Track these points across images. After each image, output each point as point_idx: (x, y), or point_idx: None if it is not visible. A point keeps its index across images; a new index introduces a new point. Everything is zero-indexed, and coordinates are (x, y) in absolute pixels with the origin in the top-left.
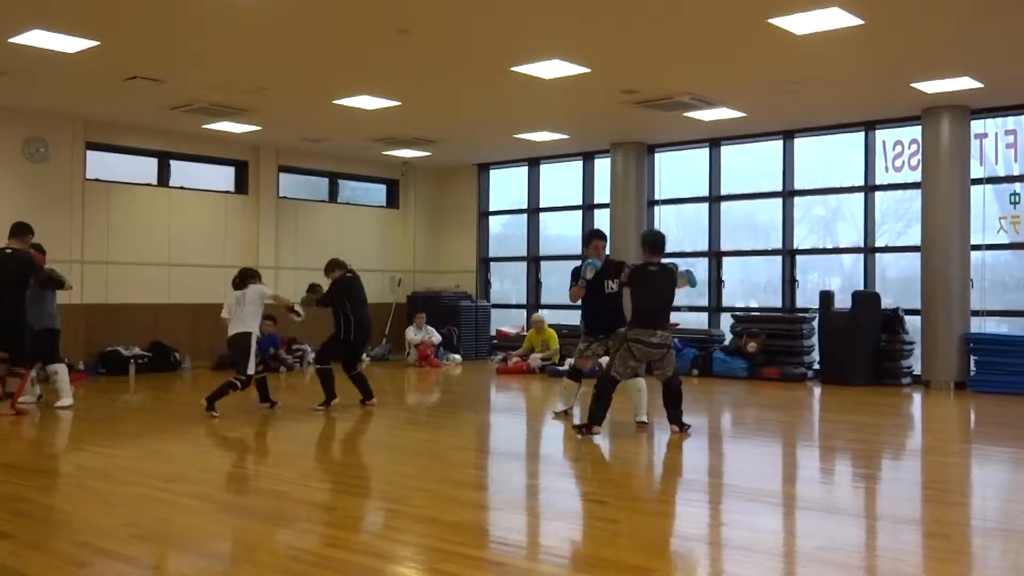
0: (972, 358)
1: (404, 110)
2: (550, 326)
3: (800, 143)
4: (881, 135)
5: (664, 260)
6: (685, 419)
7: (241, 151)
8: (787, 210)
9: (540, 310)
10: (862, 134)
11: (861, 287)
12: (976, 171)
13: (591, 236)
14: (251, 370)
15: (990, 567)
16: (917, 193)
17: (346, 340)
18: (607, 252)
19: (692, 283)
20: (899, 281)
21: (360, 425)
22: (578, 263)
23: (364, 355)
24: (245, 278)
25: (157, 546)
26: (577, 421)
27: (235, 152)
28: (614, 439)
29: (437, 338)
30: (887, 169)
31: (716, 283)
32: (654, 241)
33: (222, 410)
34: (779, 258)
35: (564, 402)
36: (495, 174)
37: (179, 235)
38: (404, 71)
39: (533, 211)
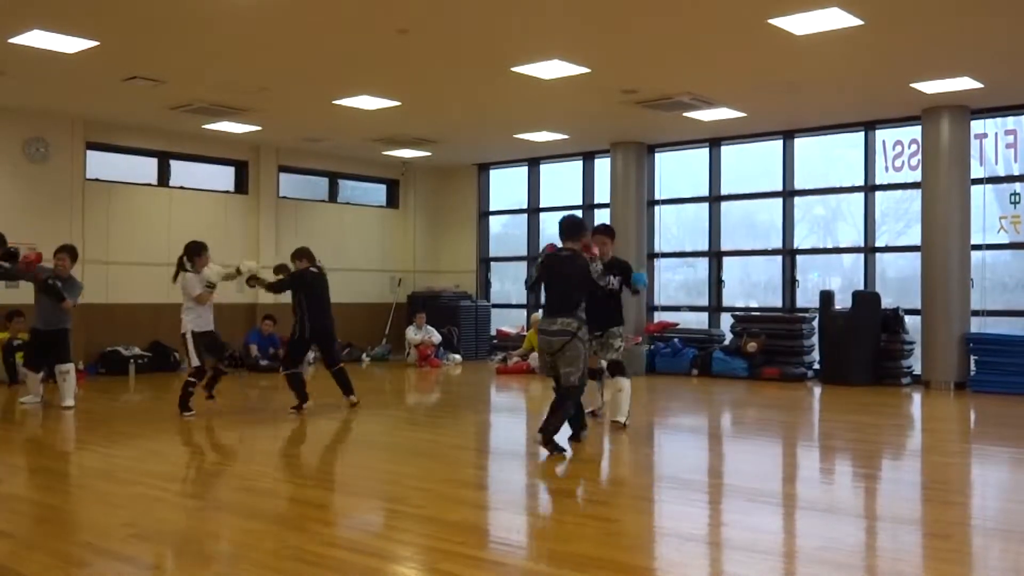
0: (972, 358)
1: (404, 110)
2: None
3: (800, 143)
4: (881, 135)
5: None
6: (581, 439)
7: (241, 151)
8: (787, 210)
9: (540, 310)
10: (862, 134)
11: (861, 287)
12: (976, 171)
13: (594, 231)
14: (195, 362)
15: (990, 567)
16: (917, 193)
17: (300, 338)
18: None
19: (634, 283)
20: (899, 281)
21: (360, 425)
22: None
23: (364, 355)
24: (178, 265)
25: (157, 546)
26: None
27: (235, 152)
28: (613, 439)
29: (437, 338)
30: (887, 169)
31: (716, 283)
32: (565, 227)
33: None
34: (779, 258)
35: (591, 402)
36: (495, 174)
37: (179, 235)
38: (404, 71)
39: (533, 211)
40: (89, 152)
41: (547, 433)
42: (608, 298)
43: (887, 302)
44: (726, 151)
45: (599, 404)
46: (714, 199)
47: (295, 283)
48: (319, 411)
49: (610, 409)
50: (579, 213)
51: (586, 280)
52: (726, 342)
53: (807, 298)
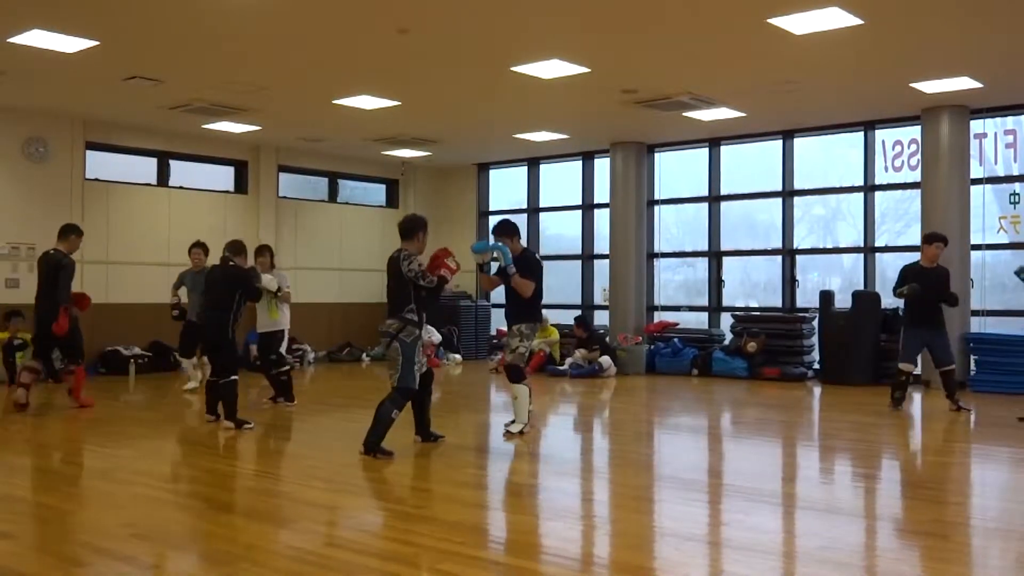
0: (972, 358)
1: (404, 110)
2: (552, 326)
3: (800, 143)
4: (881, 135)
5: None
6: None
7: (241, 151)
8: (787, 210)
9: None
10: (862, 134)
11: (861, 287)
12: (976, 171)
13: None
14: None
15: (990, 567)
16: (917, 193)
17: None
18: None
19: (474, 249)
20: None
21: (360, 425)
22: (577, 263)
23: (364, 355)
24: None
25: (157, 546)
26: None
27: (235, 152)
28: (613, 439)
29: (437, 338)
30: (887, 169)
31: (716, 283)
32: (399, 228)
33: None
34: (779, 258)
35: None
36: (495, 174)
37: (179, 235)
38: (404, 71)
39: (533, 211)
40: (89, 152)
41: (367, 443)
42: (512, 293)
43: (887, 302)
44: (726, 151)
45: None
46: (714, 199)
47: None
48: (319, 411)
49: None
50: (579, 213)
51: (401, 280)
52: (726, 342)
53: (807, 298)
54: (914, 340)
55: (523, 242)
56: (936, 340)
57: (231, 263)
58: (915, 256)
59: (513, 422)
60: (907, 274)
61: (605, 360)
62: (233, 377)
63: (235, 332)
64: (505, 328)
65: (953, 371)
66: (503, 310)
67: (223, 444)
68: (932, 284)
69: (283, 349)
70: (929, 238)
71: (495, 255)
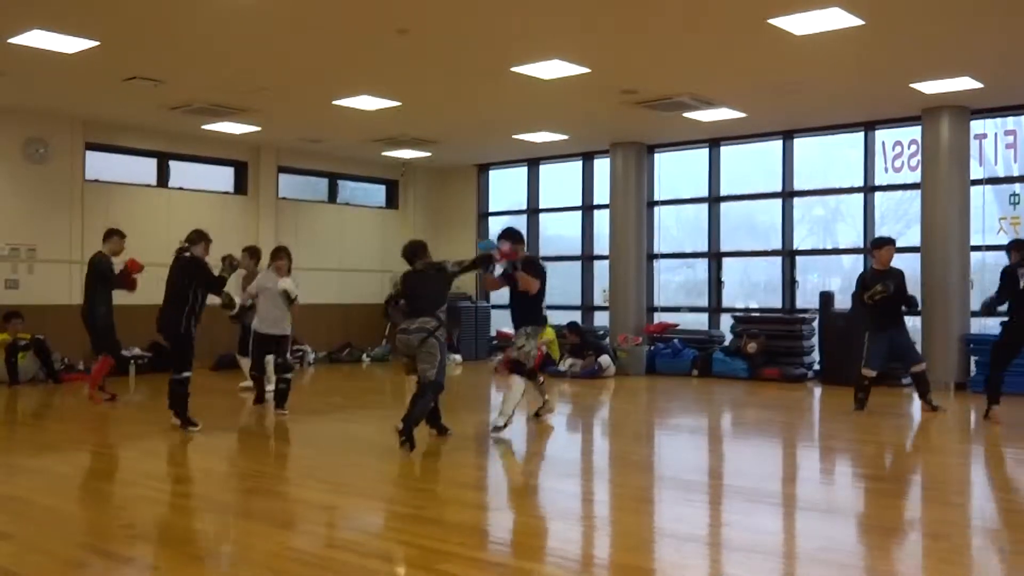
0: (972, 358)
1: (404, 110)
2: (550, 326)
3: (800, 143)
4: (881, 135)
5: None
6: (442, 430)
7: (241, 151)
8: (787, 210)
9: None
10: (862, 134)
11: None
12: (976, 171)
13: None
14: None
15: (990, 567)
16: (917, 194)
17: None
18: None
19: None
20: None
21: (360, 426)
22: (577, 263)
23: (364, 355)
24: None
25: (157, 546)
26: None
27: (235, 152)
28: (613, 439)
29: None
30: (887, 169)
31: (716, 284)
32: (409, 249)
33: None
34: (779, 259)
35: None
36: (495, 174)
37: (179, 236)
38: (404, 71)
39: (533, 211)
40: (89, 153)
41: (407, 423)
42: (523, 297)
43: None
44: (726, 151)
45: (540, 404)
46: (714, 200)
47: None
48: (319, 412)
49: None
50: (579, 214)
51: (444, 282)
52: (726, 343)
53: (807, 299)
54: (879, 345)
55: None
56: (901, 342)
57: (187, 254)
58: (915, 256)
59: (500, 414)
60: (866, 279)
61: (604, 359)
62: (186, 374)
63: (194, 327)
64: (506, 330)
65: (924, 371)
66: (508, 313)
67: (223, 445)
68: (894, 286)
69: (288, 353)
70: (879, 242)
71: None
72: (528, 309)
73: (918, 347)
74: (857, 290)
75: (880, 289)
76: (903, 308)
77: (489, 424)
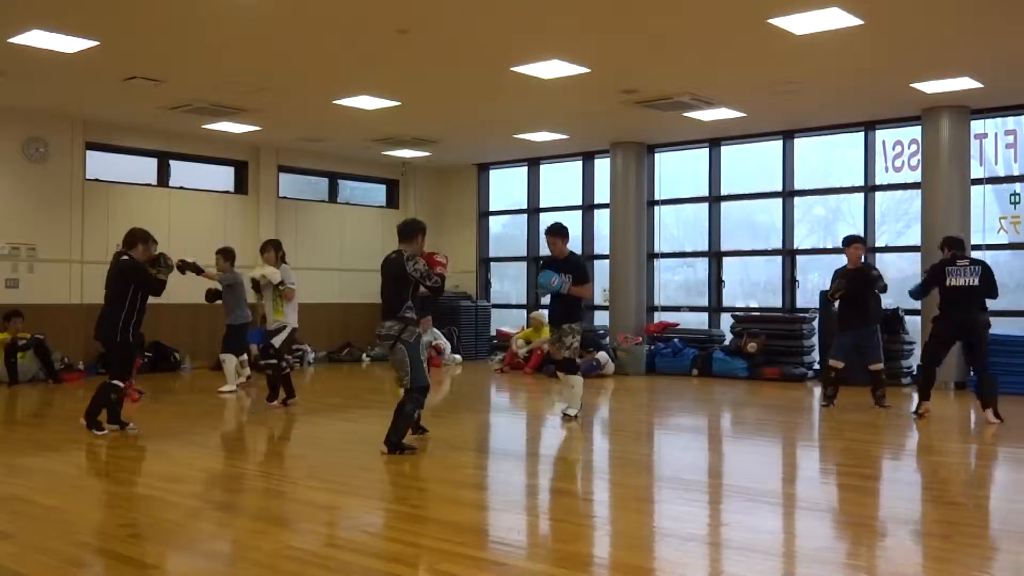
0: None
1: (404, 110)
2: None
3: (800, 143)
4: (881, 135)
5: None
6: (422, 440)
7: (241, 151)
8: (787, 210)
9: (540, 310)
10: (862, 134)
11: None
12: (976, 171)
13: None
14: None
15: (991, 567)
16: (917, 193)
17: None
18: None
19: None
20: (899, 281)
21: (360, 425)
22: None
23: (364, 355)
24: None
25: (157, 546)
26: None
27: (235, 152)
28: (613, 439)
29: (445, 344)
30: (887, 169)
31: (716, 283)
32: (398, 229)
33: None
34: (779, 258)
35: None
36: (495, 174)
37: (179, 235)
38: (404, 71)
39: (533, 211)
40: (89, 152)
41: (391, 440)
42: (566, 296)
43: (887, 302)
44: (726, 151)
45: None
46: (714, 199)
47: None
48: (319, 411)
49: (566, 401)
50: (579, 213)
51: (401, 280)
52: (726, 342)
53: (807, 298)
54: (844, 338)
55: (524, 243)
56: (868, 339)
57: (124, 256)
58: (915, 256)
59: (569, 407)
60: (839, 275)
61: (602, 356)
62: (115, 382)
63: (131, 334)
64: (506, 329)
65: (880, 371)
66: (508, 312)
67: (223, 444)
68: (859, 283)
69: (277, 342)
70: (846, 241)
71: (554, 284)
72: (570, 306)
73: (918, 348)
74: (831, 285)
75: (838, 286)
76: (872, 306)
77: (559, 412)
